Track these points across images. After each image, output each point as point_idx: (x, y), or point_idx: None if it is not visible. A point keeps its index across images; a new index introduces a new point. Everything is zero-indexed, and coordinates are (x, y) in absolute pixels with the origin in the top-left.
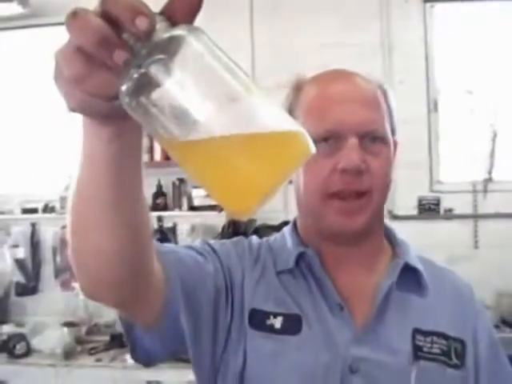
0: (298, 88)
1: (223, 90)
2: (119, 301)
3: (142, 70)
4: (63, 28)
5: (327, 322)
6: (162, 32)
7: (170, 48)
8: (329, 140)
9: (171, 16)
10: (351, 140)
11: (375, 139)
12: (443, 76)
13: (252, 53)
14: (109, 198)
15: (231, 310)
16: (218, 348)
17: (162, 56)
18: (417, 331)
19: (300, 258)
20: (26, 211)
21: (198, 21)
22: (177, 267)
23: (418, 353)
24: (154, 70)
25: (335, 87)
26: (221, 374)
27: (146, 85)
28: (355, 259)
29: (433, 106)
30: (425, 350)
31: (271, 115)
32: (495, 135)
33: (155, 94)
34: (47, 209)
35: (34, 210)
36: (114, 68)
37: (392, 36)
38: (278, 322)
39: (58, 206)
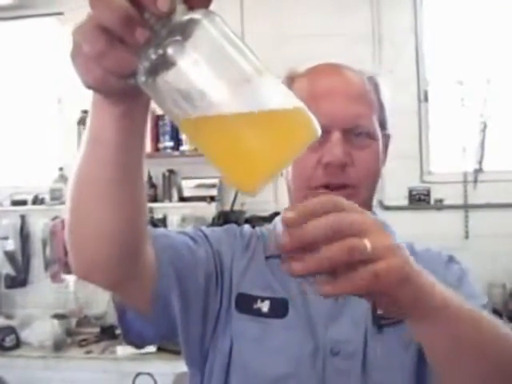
0: (290, 81)
1: (236, 71)
2: (111, 282)
3: (160, 51)
4: (51, 19)
5: (313, 306)
6: (181, 14)
7: (188, 30)
8: None
9: (189, 0)
10: (335, 134)
11: (361, 134)
12: (433, 66)
13: None
14: (113, 176)
15: (220, 295)
16: (208, 333)
17: (179, 37)
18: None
19: None
20: (15, 203)
21: None
22: (169, 252)
23: (380, 321)
24: (171, 51)
25: (323, 82)
26: (210, 359)
27: (163, 65)
28: None
29: (423, 97)
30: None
31: (281, 97)
32: (485, 125)
33: (171, 74)
34: (37, 201)
35: (23, 202)
36: (133, 46)
37: (382, 26)
38: (265, 306)
39: (47, 197)
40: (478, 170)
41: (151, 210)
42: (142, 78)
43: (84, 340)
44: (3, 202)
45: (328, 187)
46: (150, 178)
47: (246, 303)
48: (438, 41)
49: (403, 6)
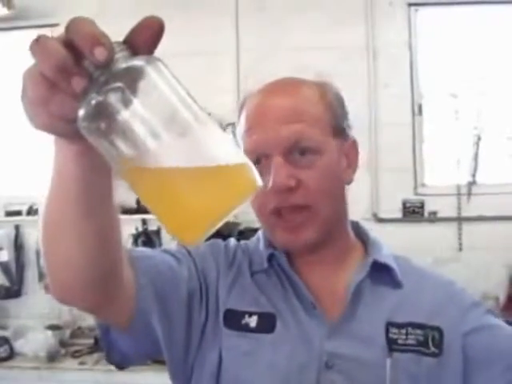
0: (241, 106)
1: (175, 120)
2: (88, 305)
3: (100, 98)
4: (47, 30)
5: (301, 320)
6: (122, 61)
7: (128, 77)
8: (261, 161)
9: (133, 45)
10: (275, 159)
11: (305, 151)
12: (428, 79)
13: (237, 54)
14: (76, 210)
15: (206, 311)
16: (192, 348)
17: (119, 84)
18: (390, 324)
19: (272, 258)
20: (9, 214)
21: (184, 23)
22: (149, 273)
23: (392, 346)
24: (111, 98)
25: (261, 106)
26: (195, 374)
27: (103, 111)
28: (321, 264)
29: (417, 110)
30: (400, 342)
31: (220, 148)
32: (479, 138)
33: (111, 121)
34: (31, 211)
35: (17, 213)
36: (73, 93)
37: (377, 39)
38: (252, 321)
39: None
40: (472, 183)
41: (145, 222)
42: (82, 124)
43: (78, 351)
44: None
45: (280, 210)
46: None
47: (234, 319)
48: (433, 54)
49: (398, 20)
